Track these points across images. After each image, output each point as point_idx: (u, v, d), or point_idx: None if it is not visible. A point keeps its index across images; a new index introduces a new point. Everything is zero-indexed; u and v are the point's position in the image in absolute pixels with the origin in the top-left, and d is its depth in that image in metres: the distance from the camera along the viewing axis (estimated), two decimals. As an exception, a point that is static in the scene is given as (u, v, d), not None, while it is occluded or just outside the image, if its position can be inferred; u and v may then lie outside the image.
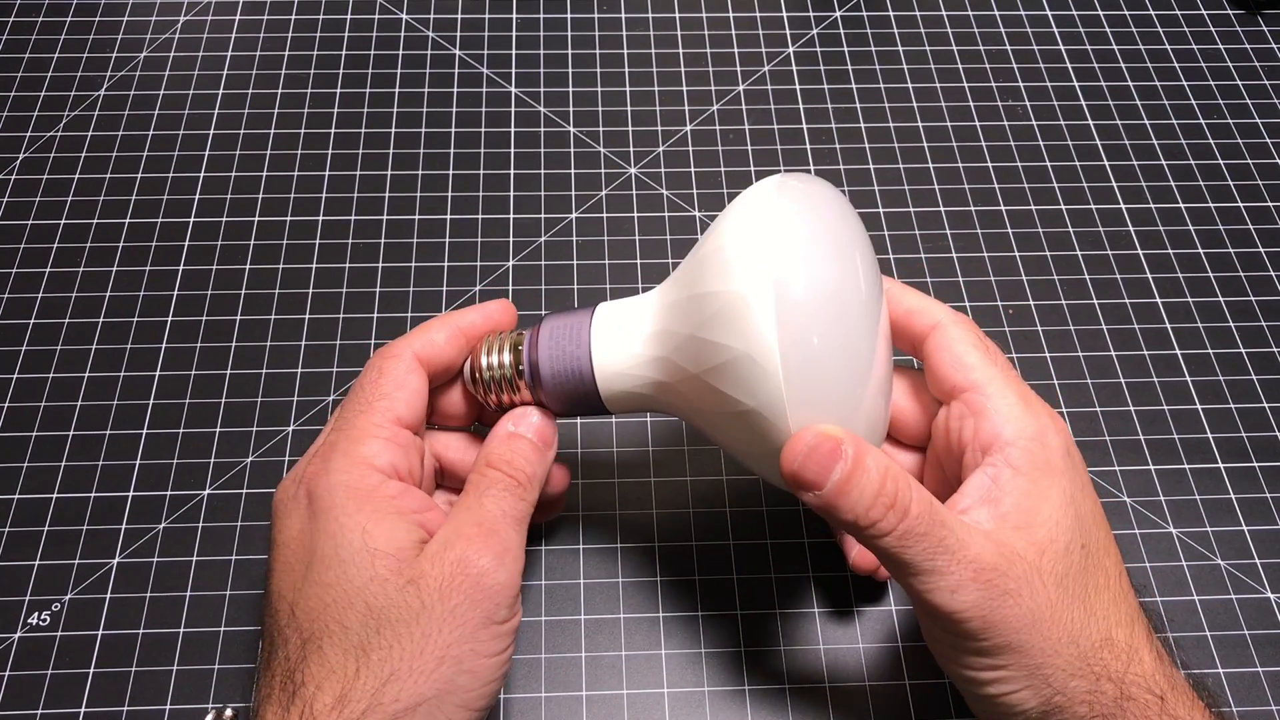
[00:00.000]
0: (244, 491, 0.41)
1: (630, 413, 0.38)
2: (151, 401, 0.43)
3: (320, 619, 0.28)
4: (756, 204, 0.31)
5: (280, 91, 0.52)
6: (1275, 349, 0.45)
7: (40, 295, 0.45)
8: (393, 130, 0.51)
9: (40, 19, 0.55)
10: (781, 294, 0.28)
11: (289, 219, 0.48)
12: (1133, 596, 0.31)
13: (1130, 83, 0.54)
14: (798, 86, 0.53)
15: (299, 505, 0.31)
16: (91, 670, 0.37)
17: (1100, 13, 0.57)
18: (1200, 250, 0.48)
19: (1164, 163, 0.51)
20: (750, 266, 0.29)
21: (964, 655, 0.30)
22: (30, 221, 0.48)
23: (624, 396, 0.33)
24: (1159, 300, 0.47)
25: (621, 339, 0.33)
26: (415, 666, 0.28)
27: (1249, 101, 0.53)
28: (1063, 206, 0.49)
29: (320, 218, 0.48)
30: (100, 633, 0.37)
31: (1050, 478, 0.30)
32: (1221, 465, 0.42)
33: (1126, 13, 0.57)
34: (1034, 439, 0.31)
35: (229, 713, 0.34)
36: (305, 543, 0.30)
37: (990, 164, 0.51)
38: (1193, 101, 0.53)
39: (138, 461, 0.41)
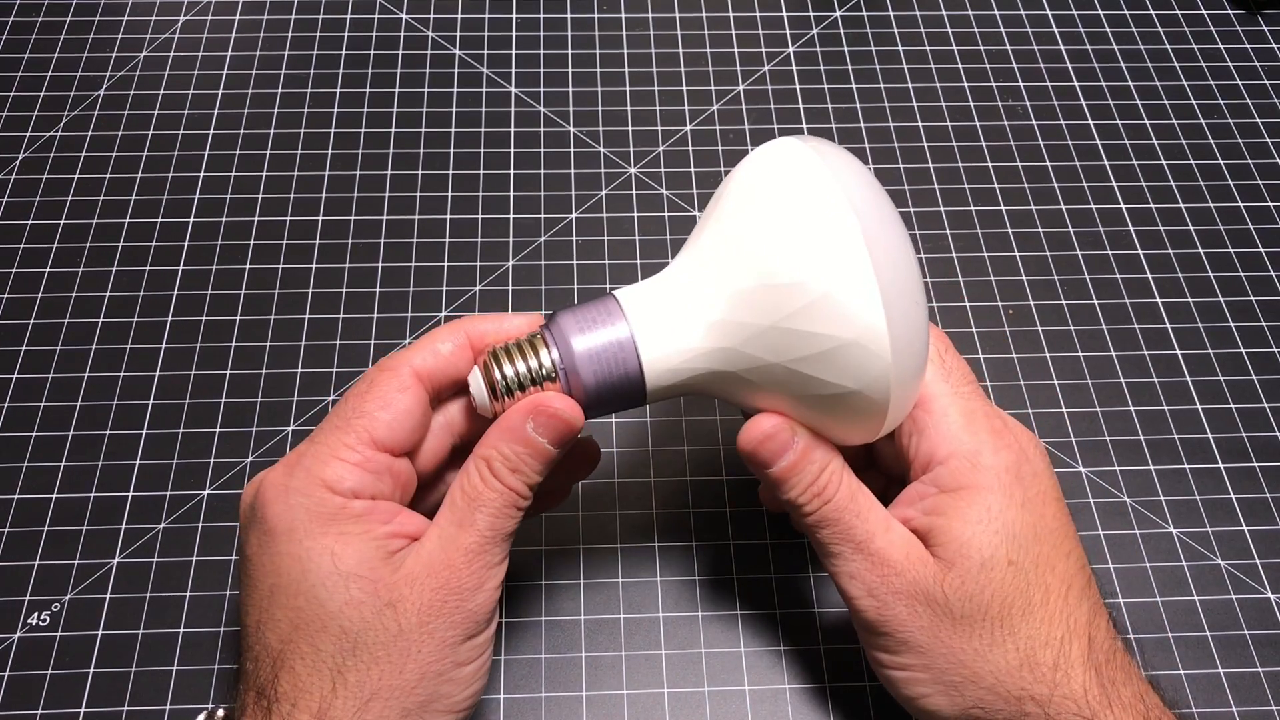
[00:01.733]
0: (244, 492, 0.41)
1: (662, 400, 0.36)
2: (151, 401, 0.43)
3: (290, 640, 0.28)
4: (806, 178, 0.29)
5: (280, 91, 0.52)
6: (1275, 349, 0.45)
7: (40, 295, 0.45)
8: (393, 130, 0.51)
9: (40, 19, 0.55)
10: (881, 277, 0.28)
11: (289, 219, 0.48)
12: (1080, 611, 0.30)
13: (1130, 83, 0.54)
14: (798, 86, 0.53)
15: (255, 520, 0.30)
16: (91, 670, 0.37)
17: (1100, 13, 0.57)
18: (1200, 250, 0.48)
19: (1164, 163, 0.51)
20: (839, 252, 0.28)
21: (873, 650, 0.32)
22: (30, 221, 0.48)
23: (668, 389, 0.31)
24: (1159, 300, 0.47)
25: (670, 331, 0.30)
26: (395, 684, 0.28)
27: (1249, 101, 0.53)
28: (1063, 206, 0.49)
29: (320, 218, 0.48)
30: (100, 633, 0.37)
31: (975, 495, 0.30)
32: (1221, 465, 0.42)
33: (1126, 13, 0.57)
34: (965, 457, 0.31)
35: (221, 713, 0.34)
36: (265, 563, 0.29)
37: (990, 164, 0.51)
38: (1193, 101, 0.53)
39: (138, 461, 0.41)
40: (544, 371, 0.30)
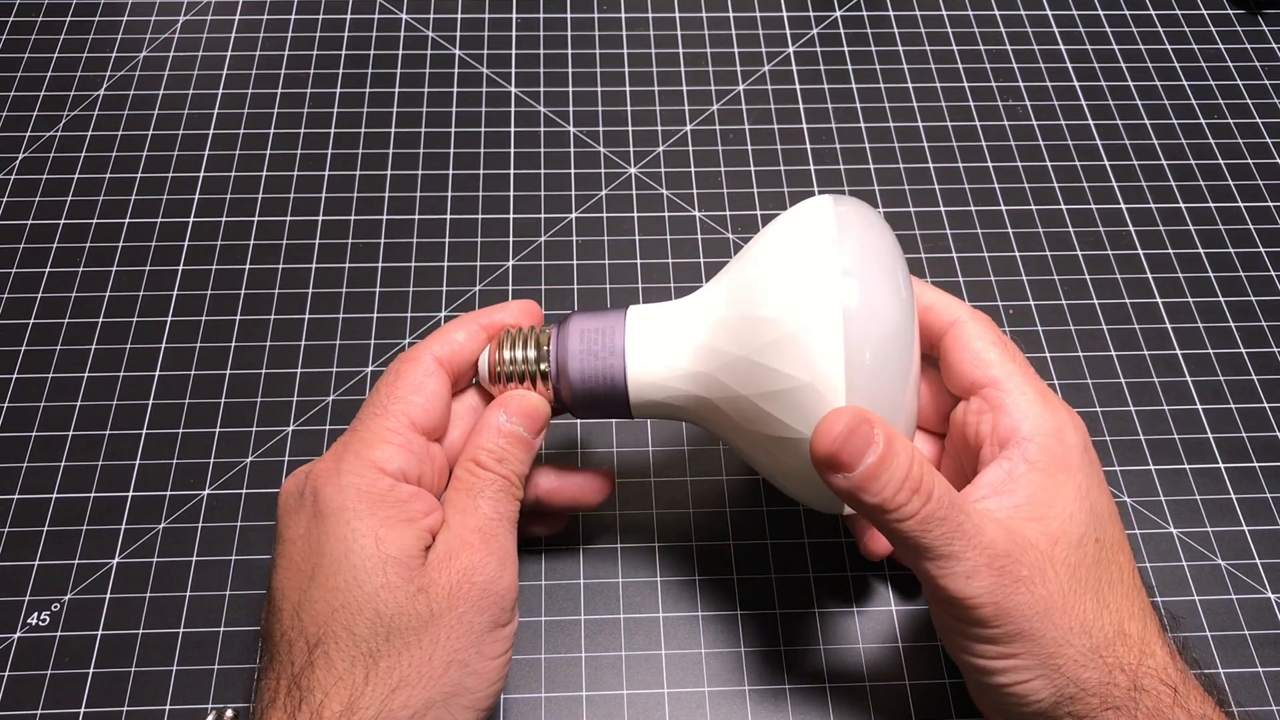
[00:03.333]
0: (244, 491, 0.41)
1: (653, 419, 0.37)
2: (151, 401, 0.43)
3: (328, 624, 0.28)
4: (813, 227, 0.31)
5: (280, 91, 0.52)
6: (1275, 349, 0.45)
7: (40, 295, 0.45)
8: (393, 130, 0.51)
9: (40, 19, 0.55)
10: (850, 328, 0.28)
11: (289, 219, 0.48)
12: (1144, 593, 0.31)
13: (1130, 83, 0.54)
14: (798, 86, 0.53)
15: (305, 504, 0.30)
16: (91, 670, 0.37)
17: (1100, 13, 0.57)
18: (1200, 250, 0.48)
19: (1164, 163, 0.51)
20: (814, 297, 0.29)
21: (975, 643, 0.30)
22: (30, 221, 0.48)
23: (654, 405, 0.33)
24: (1159, 300, 0.47)
25: (659, 348, 0.32)
26: (424, 672, 0.28)
27: (1249, 101, 0.53)
28: (1063, 206, 0.49)
29: (320, 218, 0.48)
30: (100, 633, 0.37)
31: (1066, 473, 0.30)
32: (1221, 465, 0.42)
33: (1126, 13, 0.57)
34: (1051, 435, 0.31)
35: (230, 713, 0.34)
36: (312, 544, 0.30)
37: (990, 164, 0.51)
38: (1193, 101, 0.53)
39: (138, 461, 0.41)
40: (535, 363, 0.33)
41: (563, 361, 0.32)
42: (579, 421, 0.43)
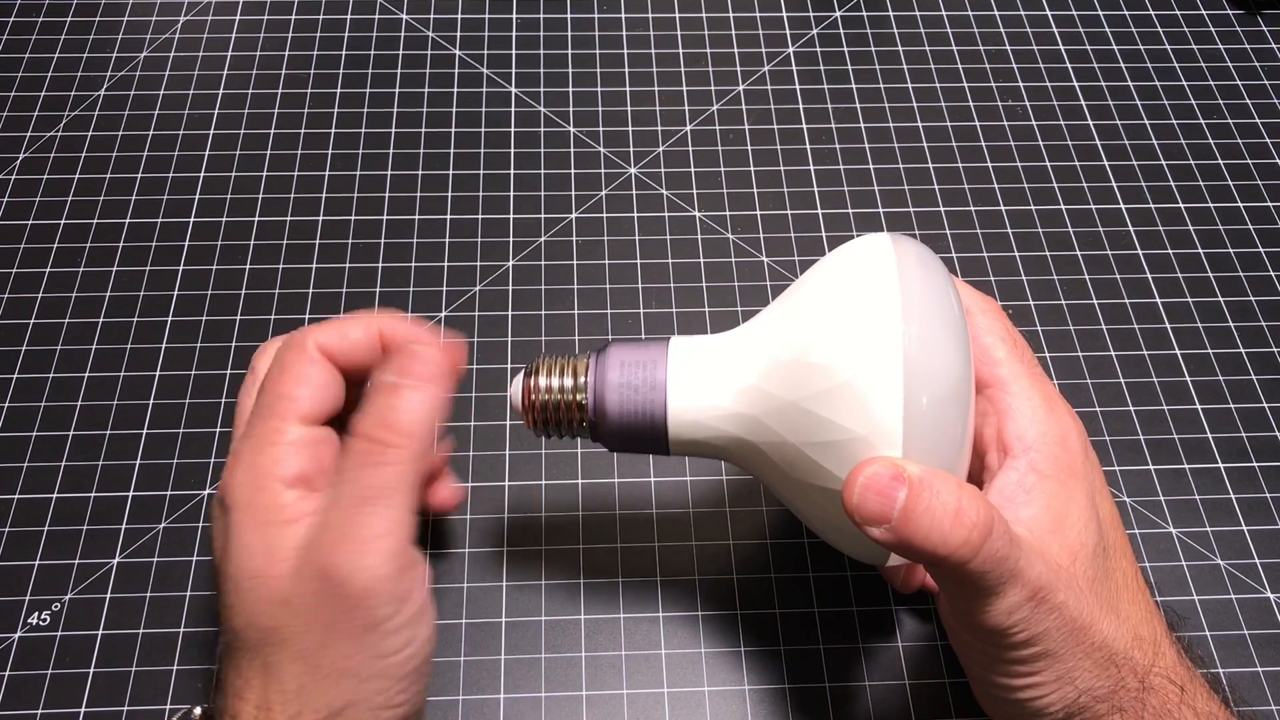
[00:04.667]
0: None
1: (691, 456, 0.36)
2: (151, 401, 0.43)
3: (239, 638, 0.28)
4: (873, 269, 0.29)
5: (280, 91, 0.52)
6: (1275, 349, 0.45)
7: (40, 295, 0.45)
8: (393, 130, 0.51)
9: (40, 19, 0.55)
10: (910, 381, 0.27)
11: (289, 219, 0.48)
12: (1148, 593, 0.31)
13: (1130, 83, 0.54)
14: (798, 86, 0.53)
15: (219, 513, 0.30)
16: (91, 670, 0.37)
17: (1100, 13, 0.57)
18: (1200, 250, 0.48)
19: (1164, 163, 0.51)
20: (875, 346, 0.27)
21: (1001, 665, 0.29)
22: (30, 221, 0.48)
23: (693, 444, 0.31)
24: (1159, 300, 0.47)
25: (703, 386, 0.30)
26: (317, 680, 0.27)
27: (1249, 101, 0.53)
28: (1062, 206, 0.49)
29: (320, 218, 0.48)
30: (100, 633, 0.37)
31: (1074, 480, 0.30)
32: (1221, 465, 0.42)
33: (1126, 13, 0.57)
34: (1057, 442, 0.30)
35: (198, 711, 0.33)
36: (218, 553, 0.30)
37: (990, 164, 0.51)
38: (1193, 101, 0.53)
39: (138, 461, 0.41)
40: (573, 393, 0.31)
41: (600, 393, 0.31)
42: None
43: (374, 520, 0.28)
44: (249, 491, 0.29)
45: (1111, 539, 0.31)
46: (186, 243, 0.47)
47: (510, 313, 0.45)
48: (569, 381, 0.31)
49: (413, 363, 0.29)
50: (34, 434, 0.42)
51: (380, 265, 0.47)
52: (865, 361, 0.27)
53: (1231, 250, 0.48)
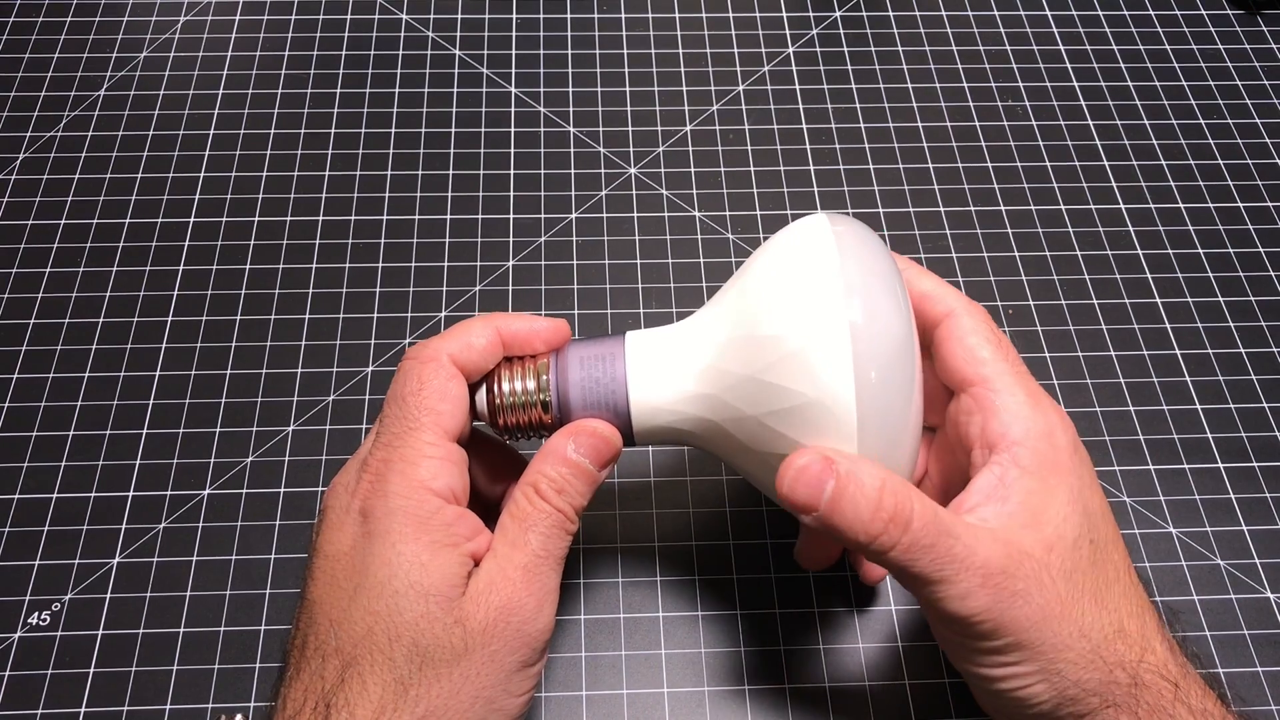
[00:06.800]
0: (244, 491, 0.41)
1: (656, 446, 0.37)
2: (151, 401, 0.43)
3: (364, 645, 0.28)
4: (813, 245, 0.30)
5: (280, 91, 0.52)
6: (1275, 349, 0.45)
7: (40, 295, 0.45)
8: (393, 130, 0.51)
9: (40, 19, 0.55)
10: (857, 343, 0.28)
11: (289, 219, 0.48)
12: (1141, 589, 0.31)
13: (1130, 83, 0.54)
14: (798, 86, 0.53)
15: (351, 519, 0.30)
16: (91, 670, 0.37)
17: (1100, 13, 0.57)
18: (1200, 250, 0.48)
19: (1164, 163, 0.51)
20: (821, 314, 0.29)
21: (977, 655, 0.30)
22: (30, 221, 0.48)
23: (657, 431, 0.32)
24: (1159, 300, 0.47)
25: (661, 372, 0.32)
26: (450, 705, 0.28)
27: (1249, 101, 0.53)
28: (1062, 206, 0.49)
29: (320, 218, 0.48)
30: (100, 633, 0.38)
31: (1057, 475, 0.30)
32: (1221, 465, 0.42)
33: (1126, 13, 0.57)
34: (1041, 438, 0.31)
35: (239, 718, 0.34)
36: (356, 562, 0.29)
37: (990, 164, 0.51)
38: (1193, 101, 0.53)
39: (138, 461, 0.41)
40: (536, 394, 0.32)
41: (564, 391, 0.32)
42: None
43: (554, 577, 0.30)
44: (408, 503, 0.29)
45: (1102, 532, 0.31)
46: (186, 243, 0.47)
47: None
48: (531, 384, 0.32)
49: (600, 446, 0.31)
50: (34, 434, 0.42)
51: (380, 265, 0.47)
52: (814, 328, 0.29)
53: (1231, 250, 0.48)
